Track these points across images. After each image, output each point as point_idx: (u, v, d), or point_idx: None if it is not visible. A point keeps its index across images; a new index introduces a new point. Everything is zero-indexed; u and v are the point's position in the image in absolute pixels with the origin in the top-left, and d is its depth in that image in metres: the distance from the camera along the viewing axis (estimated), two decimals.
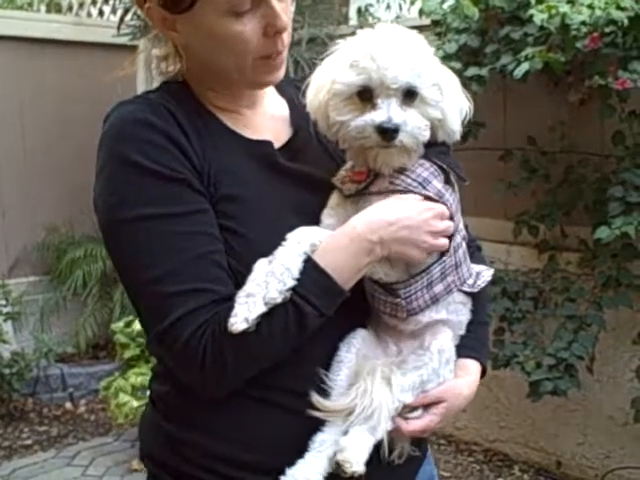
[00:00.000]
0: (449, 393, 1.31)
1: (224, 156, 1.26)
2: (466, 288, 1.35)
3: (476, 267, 1.41)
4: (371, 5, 5.48)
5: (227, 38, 1.21)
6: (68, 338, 5.05)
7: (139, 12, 4.35)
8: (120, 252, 1.22)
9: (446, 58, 3.37)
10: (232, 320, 1.13)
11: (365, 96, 1.22)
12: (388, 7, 6.14)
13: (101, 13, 6.13)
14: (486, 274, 1.41)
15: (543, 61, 2.93)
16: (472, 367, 1.39)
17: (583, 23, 2.79)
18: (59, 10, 6.61)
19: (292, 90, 1.42)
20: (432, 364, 1.28)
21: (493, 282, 3.96)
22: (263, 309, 1.14)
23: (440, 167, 1.28)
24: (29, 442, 4.38)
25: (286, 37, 1.27)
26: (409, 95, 1.22)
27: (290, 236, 1.19)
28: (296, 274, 1.16)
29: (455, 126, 1.28)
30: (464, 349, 1.38)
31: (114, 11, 5.91)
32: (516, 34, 3.18)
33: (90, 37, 5.48)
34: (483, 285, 1.38)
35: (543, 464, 3.81)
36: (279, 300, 1.14)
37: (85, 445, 4.34)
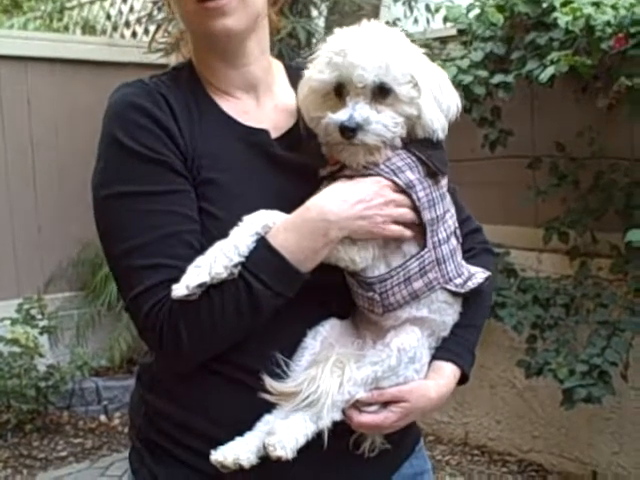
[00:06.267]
0: (412, 394, 1.27)
1: (213, 141, 1.29)
2: (452, 287, 1.30)
3: (472, 268, 1.36)
4: (399, 19, 5.49)
5: None
6: (103, 352, 5.12)
7: (170, 29, 4.45)
8: (99, 226, 1.29)
9: (472, 66, 3.39)
10: (174, 286, 1.16)
11: (340, 92, 1.23)
12: (416, 21, 6.15)
13: (134, 34, 6.29)
14: (479, 276, 1.35)
15: (569, 65, 2.93)
16: (446, 370, 1.34)
17: (608, 24, 2.78)
18: (93, 32, 6.78)
19: None
20: (389, 361, 1.24)
21: (524, 289, 3.90)
22: (206, 279, 1.16)
23: (419, 159, 1.25)
24: (64, 454, 4.43)
25: None
26: (381, 92, 1.21)
27: (246, 217, 1.21)
28: (244, 251, 1.18)
29: (435, 123, 1.25)
30: (442, 351, 1.34)
31: (146, 32, 6.04)
32: (542, 39, 3.18)
33: (123, 57, 5.60)
34: (473, 287, 1.32)
35: (578, 474, 3.75)
36: (224, 275, 1.16)
37: (119, 456, 4.37)
